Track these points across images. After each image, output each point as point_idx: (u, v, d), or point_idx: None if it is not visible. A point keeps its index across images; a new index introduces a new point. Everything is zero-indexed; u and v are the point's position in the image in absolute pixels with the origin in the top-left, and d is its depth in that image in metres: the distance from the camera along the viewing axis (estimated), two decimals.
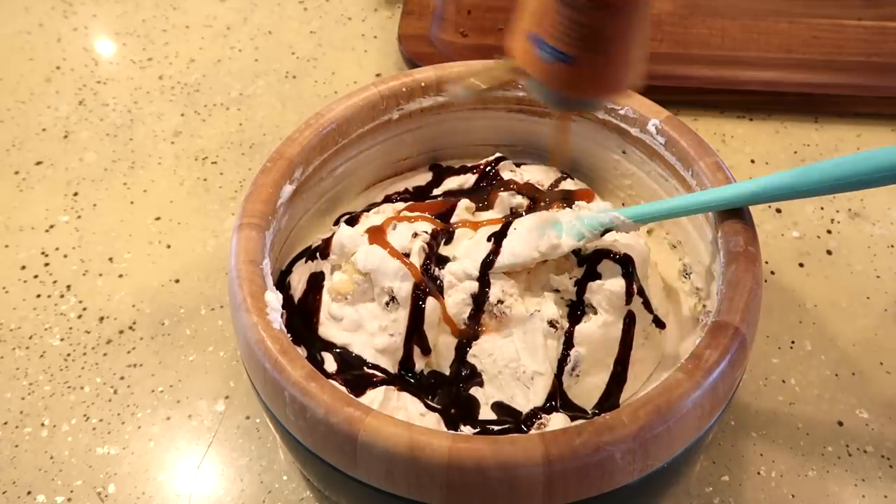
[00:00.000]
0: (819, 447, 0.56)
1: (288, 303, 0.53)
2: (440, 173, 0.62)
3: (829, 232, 0.69)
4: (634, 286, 0.52)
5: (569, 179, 0.60)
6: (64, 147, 0.76)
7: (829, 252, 0.67)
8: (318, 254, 0.55)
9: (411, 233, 0.53)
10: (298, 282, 0.55)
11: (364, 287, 0.52)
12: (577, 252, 0.53)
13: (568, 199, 0.58)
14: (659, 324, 0.53)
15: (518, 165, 0.62)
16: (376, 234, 0.53)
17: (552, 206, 0.57)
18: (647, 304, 0.53)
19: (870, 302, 0.64)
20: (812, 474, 0.55)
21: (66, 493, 0.54)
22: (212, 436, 0.57)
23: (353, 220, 0.56)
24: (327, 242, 0.55)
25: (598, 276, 0.52)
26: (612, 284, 0.51)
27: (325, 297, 0.53)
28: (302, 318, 0.53)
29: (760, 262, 0.48)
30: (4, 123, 0.78)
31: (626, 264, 0.53)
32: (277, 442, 0.56)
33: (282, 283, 0.55)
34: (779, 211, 0.70)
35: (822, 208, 0.70)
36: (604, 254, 0.53)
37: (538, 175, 0.60)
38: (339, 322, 0.52)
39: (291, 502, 0.54)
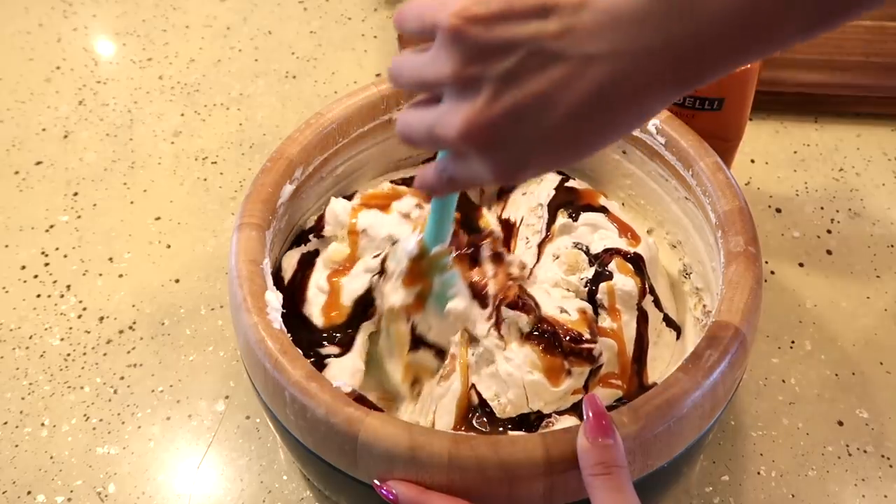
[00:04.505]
0: (819, 447, 0.56)
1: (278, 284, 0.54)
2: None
3: (829, 232, 0.69)
4: (646, 285, 0.52)
5: (571, 180, 0.60)
6: (64, 147, 0.76)
7: (829, 252, 0.67)
8: (310, 235, 0.56)
9: (413, 203, 0.55)
10: (289, 265, 0.55)
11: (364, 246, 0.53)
12: (587, 251, 0.53)
13: (573, 201, 0.57)
14: (670, 323, 0.53)
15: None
16: (374, 200, 0.55)
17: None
18: (657, 303, 0.53)
19: (870, 302, 0.64)
20: (812, 474, 0.55)
21: (66, 493, 0.54)
22: (212, 436, 0.57)
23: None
24: (320, 218, 0.56)
25: (609, 276, 0.52)
26: (623, 283, 0.51)
27: (316, 272, 0.53)
28: (291, 297, 0.53)
29: (760, 262, 0.48)
30: (4, 123, 0.78)
31: (637, 263, 0.53)
32: (277, 442, 0.56)
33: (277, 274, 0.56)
34: (779, 211, 0.70)
35: (822, 208, 0.70)
36: (614, 253, 0.53)
37: (541, 183, 0.60)
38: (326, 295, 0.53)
39: (291, 502, 0.54)
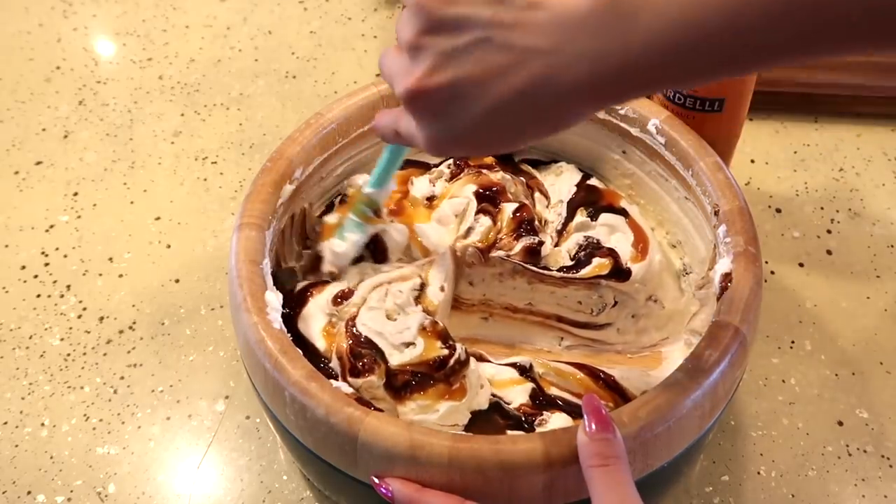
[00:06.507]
0: (819, 447, 0.56)
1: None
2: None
3: (829, 232, 0.69)
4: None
5: (594, 178, 0.60)
6: (64, 147, 0.76)
7: (829, 252, 0.67)
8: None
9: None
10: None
11: None
12: (596, 244, 0.54)
13: (596, 202, 0.58)
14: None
15: (536, 165, 0.61)
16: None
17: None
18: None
19: (870, 302, 0.64)
20: (812, 474, 0.55)
21: (66, 493, 0.54)
22: (212, 436, 0.57)
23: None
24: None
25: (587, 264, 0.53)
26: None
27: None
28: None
29: (760, 262, 0.48)
30: (4, 123, 0.78)
31: (617, 275, 0.53)
32: (277, 442, 0.56)
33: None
34: (779, 211, 0.70)
35: (822, 208, 0.70)
36: (594, 252, 0.53)
37: (561, 175, 0.60)
38: None
39: (291, 502, 0.54)
